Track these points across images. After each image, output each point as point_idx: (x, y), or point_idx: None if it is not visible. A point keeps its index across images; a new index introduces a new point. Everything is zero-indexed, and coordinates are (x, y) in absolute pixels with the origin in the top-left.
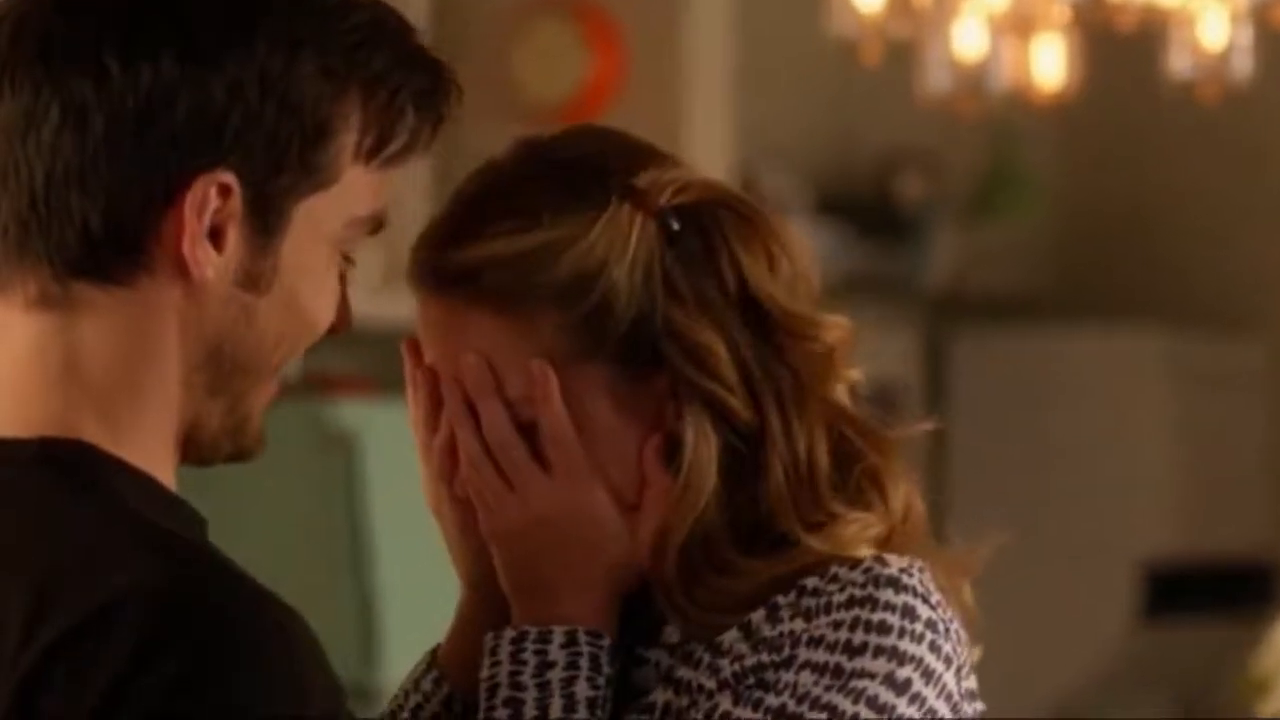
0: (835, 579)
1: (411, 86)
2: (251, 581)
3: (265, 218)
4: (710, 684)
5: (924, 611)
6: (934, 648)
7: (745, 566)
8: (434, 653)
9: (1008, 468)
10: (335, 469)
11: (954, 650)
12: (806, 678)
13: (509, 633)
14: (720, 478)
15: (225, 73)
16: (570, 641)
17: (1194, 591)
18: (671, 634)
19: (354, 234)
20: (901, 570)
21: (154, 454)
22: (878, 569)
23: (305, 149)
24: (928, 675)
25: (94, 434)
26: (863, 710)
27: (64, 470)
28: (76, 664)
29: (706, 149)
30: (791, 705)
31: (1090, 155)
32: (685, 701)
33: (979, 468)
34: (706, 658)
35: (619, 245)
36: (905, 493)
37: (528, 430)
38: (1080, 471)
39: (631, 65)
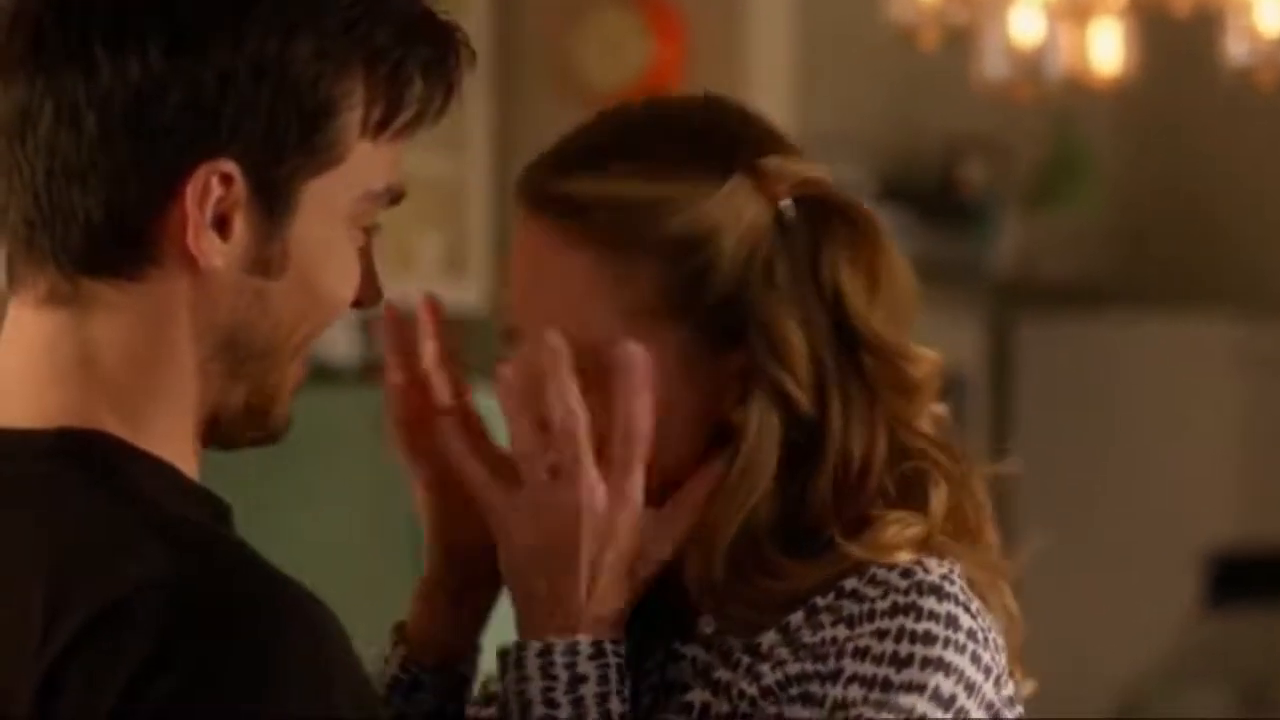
0: (875, 581)
1: (417, 56)
2: (274, 573)
3: (271, 202)
4: (752, 690)
5: (965, 621)
6: (975, 658)
7: (788, 569)
8: (400, 627)
9: (1072, 455)
10: (394, 455)
11: (993, 659)
12: (855, 692)
13: (534, 644)
14: (775, 472)
15: (216, 62)
16: (598, 653)
17: (1258, 580)
18: (706, 624)
19: (369, 208)
20: (943, 578)
21: (173, 443)
22: (920, 575)
23: (307, 131)
24: (969, 688)
25: (111, 424)
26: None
27: (81, 461)
28: (94, 662)
29: None
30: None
31: (1151, 142)
32: (725, 707)
33: (1043, 455)
34: (745, 660)
35: (733, 217)
36: (963, 500)
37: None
38: (1144, 459)
39: (692, 52)
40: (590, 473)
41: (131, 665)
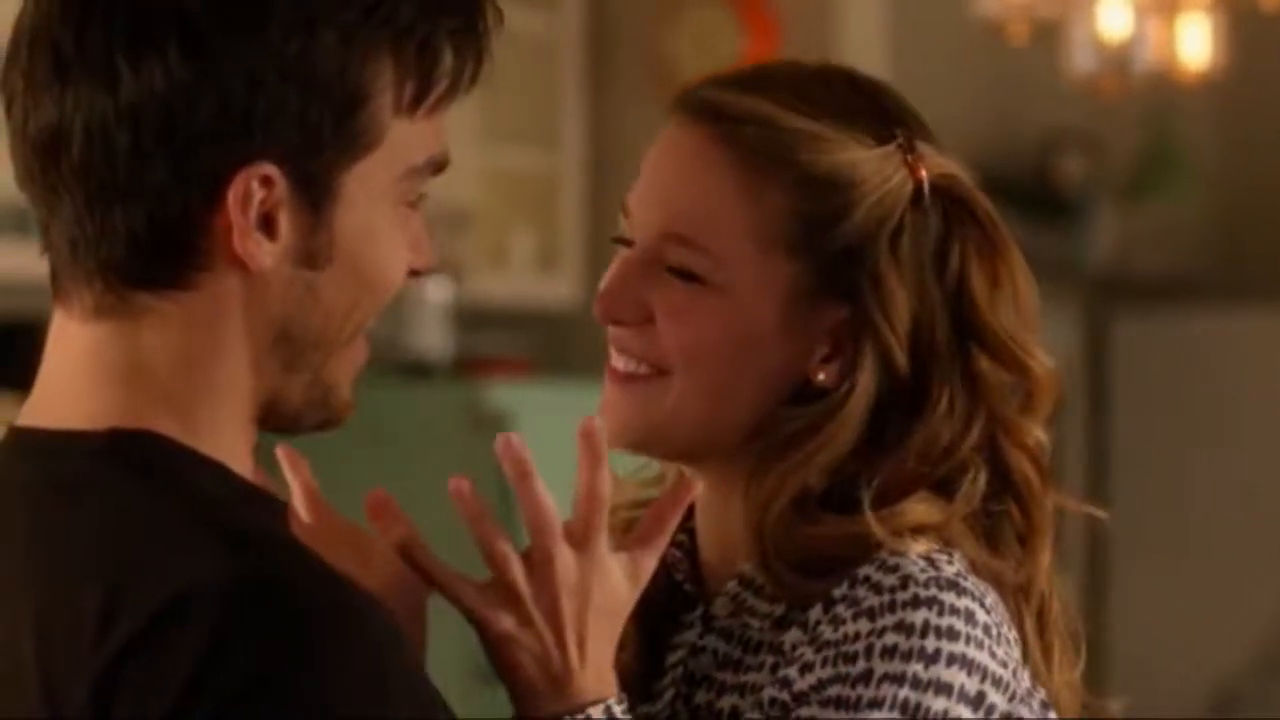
0: (891, 570)
1: (444, 28)
2: (329, 572)
3: (313, 195)
4: (783, 696)
5: (981, 616)
6: (993, 654)
7: (821, 521)
8: None
9: (1168, 448)
10: (487, 450)
11: (1006, 653)
12: (886, 690)
13: None
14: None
15: (241, 64)
16: (609, 718)
17: None
18: (722, 607)
19: (413, 184)
20: (958, 573)
21: (226, 441)
22: (937, 570)
23: (341, 121)
24: (996, 682)
25: (162, 424)
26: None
27: (133, 461)
28: (150, 664)
29: None
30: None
31: (1247, 135)
32: (757, 713)
33: (1138, 449)
34: (770, 660)
35: (876, 178)
36: (1033, 527)
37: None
38: (1240, 452)
39: (786, 48)
40: (565, 555)
41: (188, 665)
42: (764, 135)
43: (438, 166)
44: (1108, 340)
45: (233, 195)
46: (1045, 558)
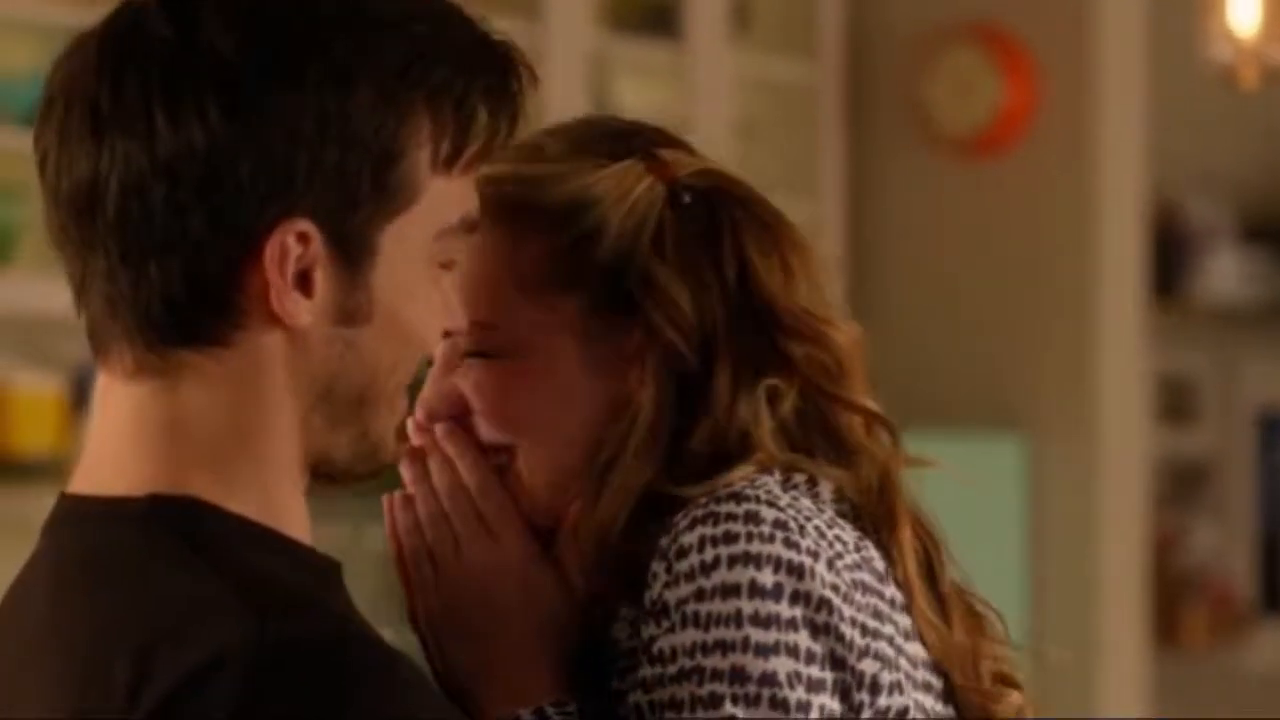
0: (680, 516)
1: (478, 87)
2: (368, 636)
3: (351, 253)
4: (644, 699)
5: (769, 513)
6: (790, 544)
7: (650, 533)
8: None
9: None
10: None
11: (817, 543)
12: (677, 614)
13: None
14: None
15: (280, 120)
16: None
17: None
18: (620, 630)
19: (447, 242)
20: (745, 485)
21: (273, 502)
22: (720, 490)
23: (378, 178)
24: (795, 571)
25: (204, 488)
26: (748, 629)
27: (173, 528)
28: None
29: (1121, 176)
30: (685, 661)
31: None
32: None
33: None
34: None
35: (617, 190)
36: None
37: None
38: None
39: (1044, 94)
40: (473, 547)
41: None
42: (509, 194)
43: (470, 226)
44: None
45: (269, 253)
46: (901, 506)
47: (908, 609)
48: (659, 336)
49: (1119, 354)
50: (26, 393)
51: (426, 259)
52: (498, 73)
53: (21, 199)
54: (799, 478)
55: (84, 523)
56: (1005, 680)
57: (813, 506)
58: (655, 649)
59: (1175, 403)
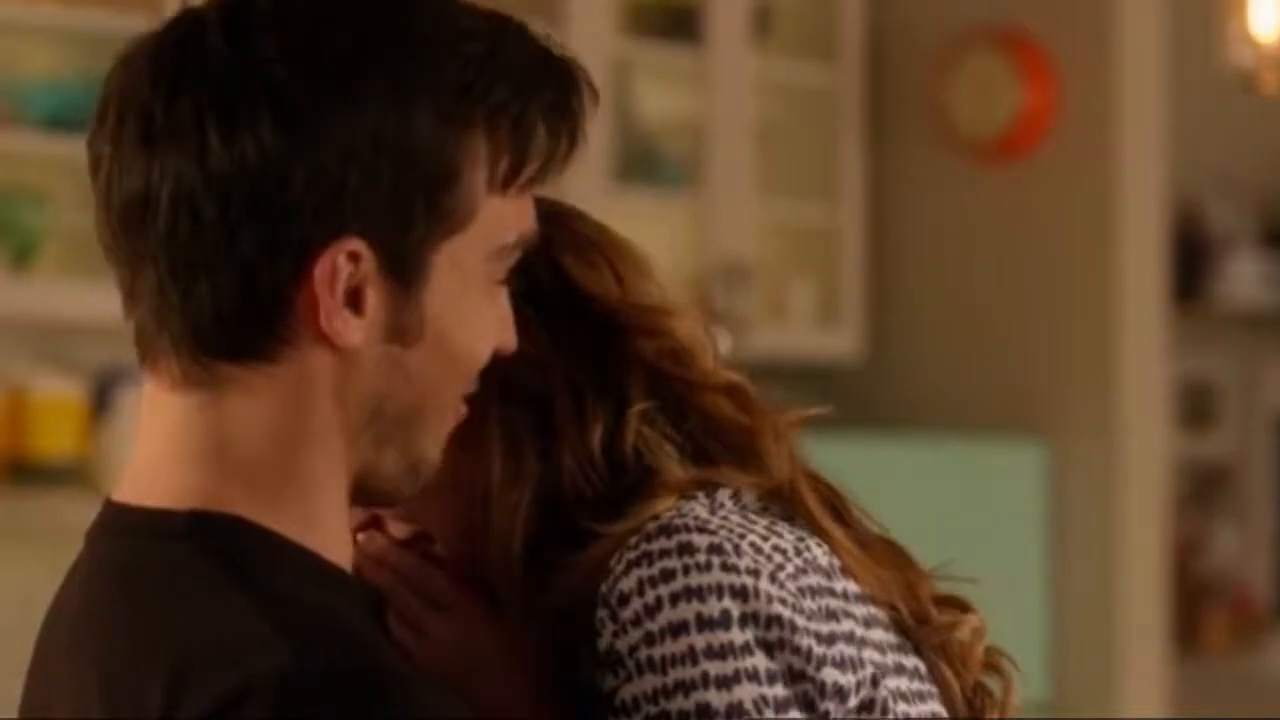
0: (614, 561)
1: (538, 106)
2: (398, 666)
3: (403, 272)
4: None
5: (702, 540)
6: (728, 567)
7: (562, 563)
8: None
9: None
10: None
11: (755, 560)
12: (631, 661)
13: None
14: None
15: (334, 138)
16: None
17: None
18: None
19: (503, 261)
20: (671, 516)
21: (314, 520)
22: (649, 525)
23: (433, 198)
24: (739, 594)
25: (246, 506)
26: (705, 664)
27: (211, 547)
28: None
29: (1142, 180)
30: (650, 709)
31: None
32: None
33: None
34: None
35: None
36: (768, 444)
37: None
38: None
39: (1065, 97)
40: (433, 626)
41: None
42: None
43: (527, 245)
44: None
45: (319, 272)
46: (783, 462)
47: (864, 599)
48: (491, 374)
49: (1140, 358)
50: (48, 397)
51: (481, 278)
52: (558, 90)
53: (43, 204)
54: (722, 494)
55: (125, 534)
56: (952, 603)
57: (743, 521)
58: (618, 700)
59: (1196, 406)
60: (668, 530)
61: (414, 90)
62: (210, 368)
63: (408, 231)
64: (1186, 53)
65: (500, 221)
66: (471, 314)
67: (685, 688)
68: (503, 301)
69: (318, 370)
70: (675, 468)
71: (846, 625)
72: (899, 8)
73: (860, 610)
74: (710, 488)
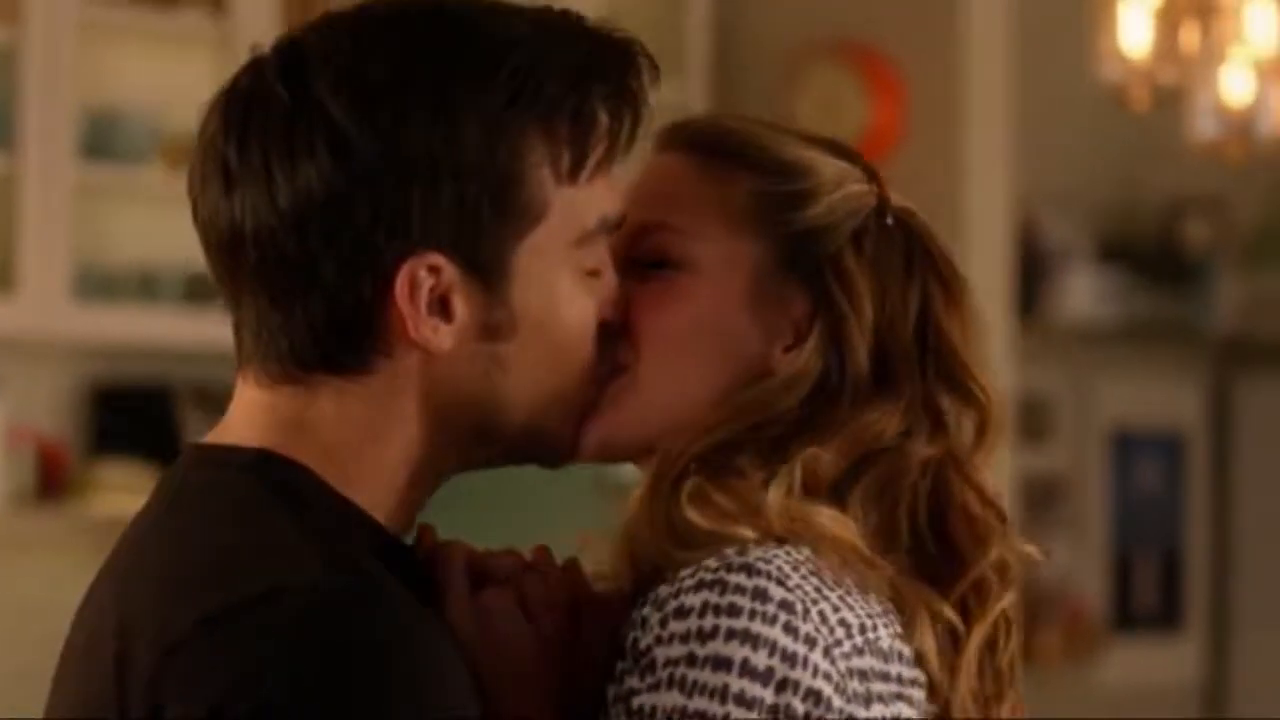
0: (688, 573)
1: (594, 97)
2: (408, 601)
3: (486, 274)
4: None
5: (777, 593)
6: (790, 629)
7: (722, 488)
8: None
9: None
10: (615, 518)
11: (818, 630)
12: (663, 673)
13: None
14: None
15: (387, 163)
16: None
17: None
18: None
19: (591, 245)
20: (759, 558)
21: (374, 498)
22: (741, 555)
23: (499, 202)
24: (789, 659)
25: (314, 463)
26: (730, 706)
27: (269, 479)
28: (198, 663)
29: (987, 194)
30: (662, 705)
31: None
32: None
33: (1264, 513)
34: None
35: (837, 177)
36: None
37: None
38: None
39: (912, 112)
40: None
41: (242, 664)
42: (727, 136)
43: (613, 225)
44: (1231, 406)
45: (399, 287)
46: (993, 604)
47: (931, 686)
48: (834, 318)
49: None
50: None
51: (570, 266)
52: (616, 75)
53: None
54: (806, 552)
55: (193, 463)
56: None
57: (820, 585)
58: (635, 703)
59: (1030, 421)
60: (749, 569)
61: (460, 105)
62: (306, 376)
63: (481, 237)
64: (1026, 68)
65: (576, 210)
66: (564, 301)
67: (702, 719)
68: (608, 279)
69: (411, 371)
70: (824, 509)
71: (893, 709)
72: (746, 22)
73: (917, 694)
74: (795, 542)
